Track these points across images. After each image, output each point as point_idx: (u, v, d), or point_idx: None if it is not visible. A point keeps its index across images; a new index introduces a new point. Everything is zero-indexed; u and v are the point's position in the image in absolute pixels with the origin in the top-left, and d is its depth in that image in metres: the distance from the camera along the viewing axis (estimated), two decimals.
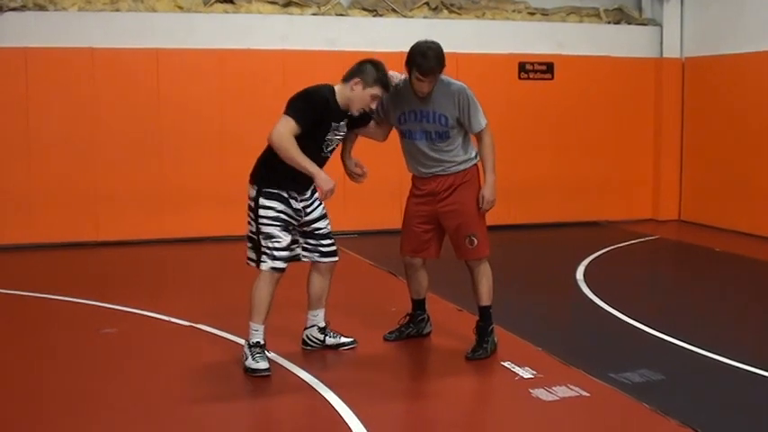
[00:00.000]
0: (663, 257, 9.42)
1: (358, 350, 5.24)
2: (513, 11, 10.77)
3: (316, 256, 5.03)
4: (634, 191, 11.16)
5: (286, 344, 5.16)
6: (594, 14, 11.07)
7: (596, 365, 4.85)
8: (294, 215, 4.80)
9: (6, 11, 8.88)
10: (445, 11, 10.49)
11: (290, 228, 4.80)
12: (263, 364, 4.69)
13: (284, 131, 4.58)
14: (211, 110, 9.45)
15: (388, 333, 5.45)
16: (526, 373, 4.75)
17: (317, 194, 4.96)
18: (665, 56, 11.02)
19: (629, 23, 11.15)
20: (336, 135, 4.86)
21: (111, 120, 9.17)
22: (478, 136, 5.02)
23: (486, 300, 5.12)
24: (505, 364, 4.92)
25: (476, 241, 5.02)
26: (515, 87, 10.45)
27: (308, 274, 5.14)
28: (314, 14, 9.93)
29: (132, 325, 5.91)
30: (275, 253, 4.71)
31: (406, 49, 4.86)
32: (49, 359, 5.17)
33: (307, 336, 5.23)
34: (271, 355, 4.86)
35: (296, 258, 4.96)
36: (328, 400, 4.33)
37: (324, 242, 5.01)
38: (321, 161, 4.79)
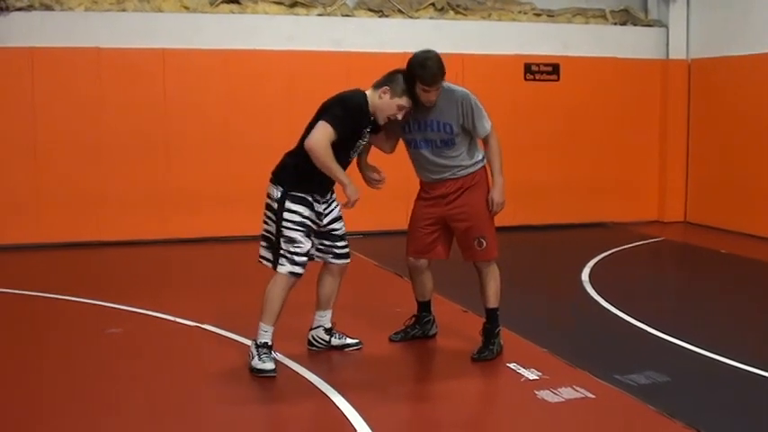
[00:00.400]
0: (668, 259, 9.41)
1: (364, 351, 5.24)
2: (519, 12, 10.77)
3: (329, 258, 5.04)
4: (640, 192, 11.13)
5: (292, 345, 5.16)
6: (600, 16, 11.05)
7: (602, 367, 4.84)
8: (316, 219, 4.82)
9: (13, 11, 8.90)
10: (451, 12, 10.49)
11: (311, 233, 4.81)
12: (270, 365, 4.70)
13: (323, 138, 4.60)
14: (217, 110, 9.46)
15: (394, 334, 5.45)
16: (531, 374, 4.75)
17: (334, 195, 4.98)
18: (671, 57, 10.99)
19: (635, 25, 11.13)
20: (364, 140, 4.90)
21: (116, 120, 9.18)
22: (485, 140, 5.01)
23: (493, 302, 5.11)
24: (511, 365, 4.91)
25: (485, 243, 5.01)
26: (521, 88, 10.44)
27: (318, 274, 5.14)
28: (320, 15, 9.93)
29: (137, 325, 5.91)
30: (296, 258, 4.72)
31: (412, 49, 4.87)
32: (53, 359, 5.18)
33: (312, 336, 5.24)
34: (277, 356, 4.85)
35: (310, 259, 4.96)
36: (334, 401, 4.33)
37: (338, 243, 5.02)
38: (345, 165, 4.82)
